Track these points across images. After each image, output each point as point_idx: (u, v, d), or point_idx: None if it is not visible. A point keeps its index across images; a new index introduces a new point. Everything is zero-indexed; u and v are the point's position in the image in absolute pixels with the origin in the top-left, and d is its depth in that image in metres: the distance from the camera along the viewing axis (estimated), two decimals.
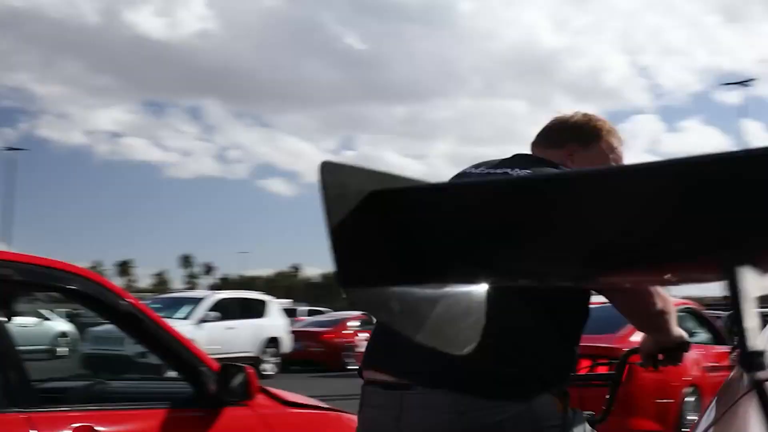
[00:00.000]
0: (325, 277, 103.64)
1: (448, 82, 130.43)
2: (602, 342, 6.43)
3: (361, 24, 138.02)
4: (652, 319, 2.21)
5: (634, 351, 2.58)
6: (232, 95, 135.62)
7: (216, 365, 3.41)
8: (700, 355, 7.13)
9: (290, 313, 23.61)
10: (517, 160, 2.19)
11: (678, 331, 2.30)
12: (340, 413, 3.89)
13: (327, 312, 27.06)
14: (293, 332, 17.66)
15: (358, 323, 19.68)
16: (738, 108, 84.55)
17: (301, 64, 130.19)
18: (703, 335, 7.54)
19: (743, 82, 39.64)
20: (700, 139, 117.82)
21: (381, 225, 0.85)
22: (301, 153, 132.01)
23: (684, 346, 2.32)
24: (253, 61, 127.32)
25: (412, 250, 0.88)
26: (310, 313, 30.11)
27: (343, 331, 19.02)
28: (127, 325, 3.36)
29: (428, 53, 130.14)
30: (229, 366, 3.47)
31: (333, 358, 18.04)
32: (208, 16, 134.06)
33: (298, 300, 42.92)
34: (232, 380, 3.36)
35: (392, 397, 1.97)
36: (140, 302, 3.39)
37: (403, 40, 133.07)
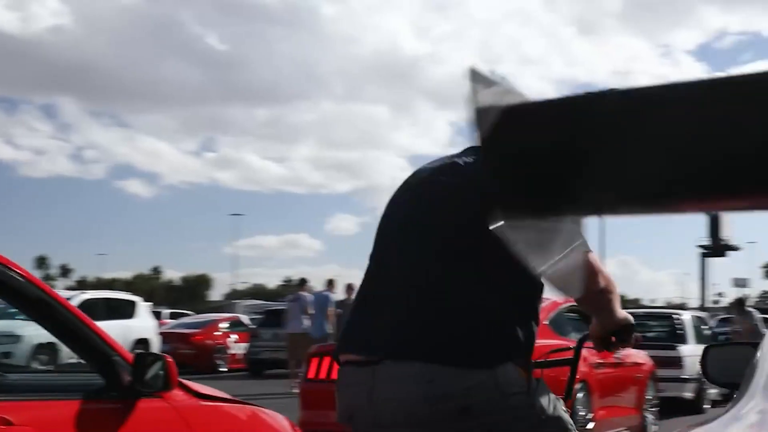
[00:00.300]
0: (186, 280, 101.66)
1: (310, 85, 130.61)
2: None
3: (221, 24, 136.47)
4: (595, 298, 2.24)
5: (587, 336, 2.56)
6: (89, 94, 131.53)
7: (130, 355, 3.17)
8: (587, 351, 7.26)
9: (154, 315, 22.92)
10: (470, 151, 2.24)
11: (622, 312, 2.30)
12: (255, 407, 3.71)
13: (190, 315, 26.41)
14: (161, 334, 17.16)
15: (228, 324, 19.32)
16: None
17: (160, 64, 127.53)
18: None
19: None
20: None
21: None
22: (160, 154, 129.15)
23: (630, 327, 2.31)
24: (110, 59, 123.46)
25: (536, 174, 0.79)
26: (173, 315, 29.39)
27: (214, 333, 18.68)
28: (36, 312, 3.09)
29: (290, 56, 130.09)
30: (146, 355, 3.24)
31: (204, 360, 17.71)
32: (62, 12, 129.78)
33: (157, 303, 41.86)
34: (148, 370, 3.13)
35: (364, 373, 2.07)
36: (52, 288, 3.11)
37: (265, 41, 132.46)
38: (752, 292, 78.97)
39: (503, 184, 0.80)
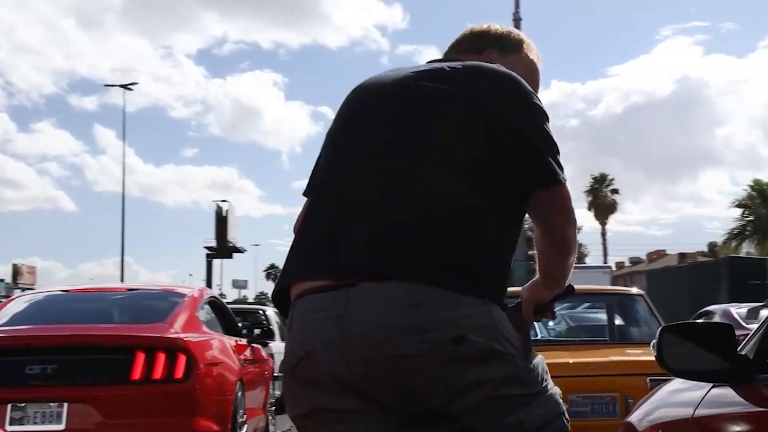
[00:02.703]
0: None
1: None
2: (155, 332, 5.50)
3: None
4: (568, 259, 2.00)
5: (518, 305, 2.19)
6: None
7: None
8: (236, 347, 6.57)
9: None
10: (439, 62, 2.03)
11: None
12: None
13: None
14: None
15: None
16: (93, 114, 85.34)
17: None
18: (222, 327, 6.92)
19: (126, 86, 39.97)
20: (53, 141, 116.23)
21: None
22: None
23: (571, 289, 2.10)
24: None
25: None
26: None
27: None
28: None
29: None
30: None
31: None
32: None
33: None
34: None
35: (333, 298, 1.70)
36: None
37: None
38: (250, 293, 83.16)
39: None
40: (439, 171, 1.78)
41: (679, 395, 2.72)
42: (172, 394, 5.25)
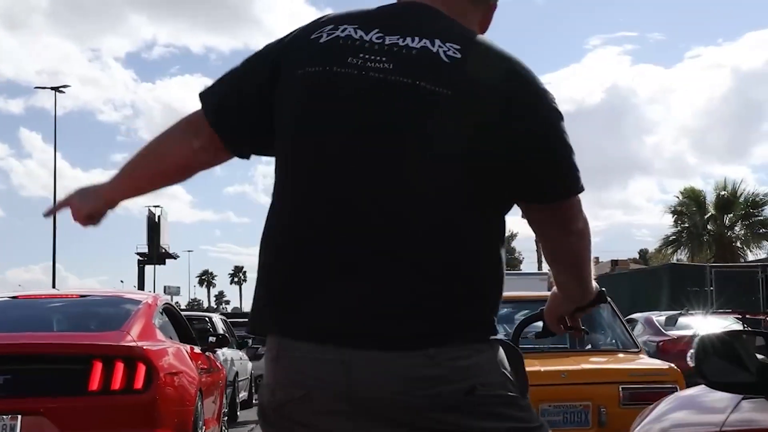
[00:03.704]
0: None
1: None
2: (113, 340, 5.27)
3: None
4: (584, 266, 1.77)
5: (533, 317, 2.15)
6: None
7: None
8: (192, 355, 6.36)
9: None
10: (423, 24, 1.65)
11: (594, 282, 1.86)
12: None
13: None
14: None
15: None
16: (19, 117, 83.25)
17: None
18: (177, 335, 6.70)
19: (57, 88, 38.91)
20: None
21: None
22: None
23: (603, 296, 1.90)
24: None
25: None
26: None
27: None
28: None
29: None
30: None
31: None
32: None
33: None
34: None
35: (331, 353, 1.51)
36: None
37: None
38: (183, 299, 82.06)
39: None
40: (433, 201, 1.54)
41: (700, 412, 2.62)
42: (131, 405, 5.02)
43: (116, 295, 6.45)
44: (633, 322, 12.75)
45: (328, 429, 1.53)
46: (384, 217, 1.52)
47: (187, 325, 6.95)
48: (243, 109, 1.70)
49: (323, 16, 1.72)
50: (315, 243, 1.54)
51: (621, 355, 5.92)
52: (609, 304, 6.50)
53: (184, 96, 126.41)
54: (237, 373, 11.48)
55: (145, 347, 5.25)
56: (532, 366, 5.44)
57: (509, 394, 1.60)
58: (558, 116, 1.61)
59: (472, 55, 1.59)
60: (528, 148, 1.56)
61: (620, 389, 5.11)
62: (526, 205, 1.64)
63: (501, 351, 1.63)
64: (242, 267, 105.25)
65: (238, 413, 11.95)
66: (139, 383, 5.06)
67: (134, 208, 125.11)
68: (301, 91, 1.61)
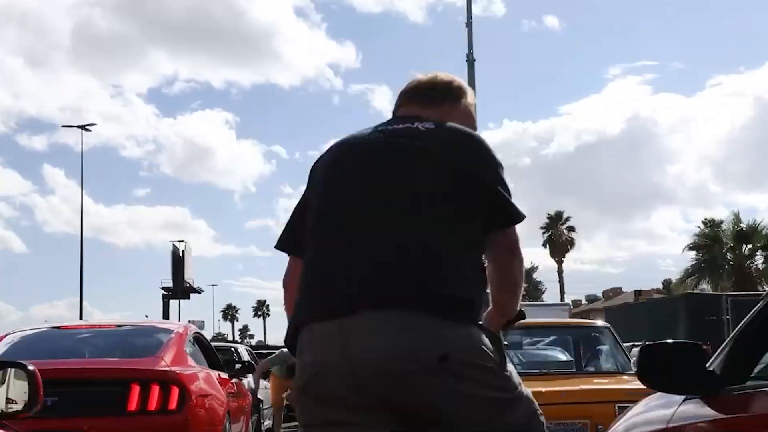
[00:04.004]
0: None
1: None
2: (149, 365, 5.75)
3: None
4: (518, 286, 2.34)
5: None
6: None
7: None
8: (220, 380, 6.82)
9: None
10: (409, 120, 2.34)
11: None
12: None
13: None
14: None
15: None
16: (43, 153, 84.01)
17: None
18: (207, 362, 7.18)
19: (84, 126, 39.58)
20: (0, 180, 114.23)
21: None
22: None
23: (522, 314, 2.39)
24: None
25: None
26: None
27: None
28: None
29: None
30: None
31: None
32: None
33: None
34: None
35: (337, 325, 2.00)
36: None
37: None
38: (207, 334, 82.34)
39: None
40: (421, 218, 2.11)
41: (652, 411, 3.07)
42: (166, 425, 5.49)
43: (150, 324, 6.95)
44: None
45: (338, 403, 2.03)
46: (384, 231, 2.15)
47: (215, 353, 7.42)
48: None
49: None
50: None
51: (619, 377, 6.33)
52: (610, 331, 6.94)
53: (204, 131, 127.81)
54: (262, 401, 11.93)
55: (178, 371, 5.73)
56: (534, 387, 5.89)
57: (487, 364, 2.04)
58: (500, 165, 2.28)
59: (442, 127, 2.29)
60: (483, 191, 2.22)
61: (615, 407, 5.50)
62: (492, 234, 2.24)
63: (478, 332, 2.07)
64: (265, 300, 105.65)
65: None
66: (173, 404, 5.53)
67: (158, 243, 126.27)
68: (326, 164, 2.35)
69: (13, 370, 2.36)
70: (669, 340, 2.83)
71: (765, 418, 2.36)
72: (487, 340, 2.08)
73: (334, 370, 1.98)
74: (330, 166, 2.30)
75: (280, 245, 2.35)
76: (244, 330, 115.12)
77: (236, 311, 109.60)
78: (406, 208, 2.12)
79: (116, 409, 5.44)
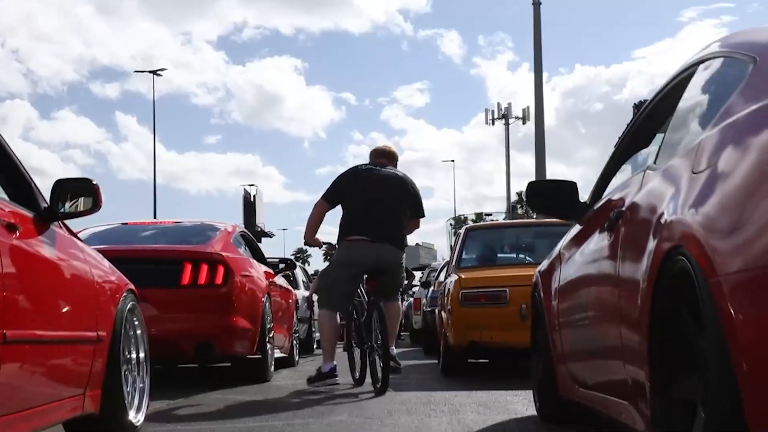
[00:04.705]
0: None
1: None
2: (200, 248, 6.94)
3: None
4: (413, 230, 7.28)
5: None
6: None
7: None
8: (264, 272, 7.99)
9: None
10: (385, 165, 6.97)
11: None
12: None
13: None
14: None
15: None
16: (115, 101, 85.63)
17: None
18: (251, 255, 8.34)
19: (155, 71, 40.78)
20: (75, 129, 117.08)
21: None
22: None
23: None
24: None
25: None
26: None
27: None
28: None
29: None
30: (66, 181, 3.36)
31: None
32: None
33: None
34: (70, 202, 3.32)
35: (370, 243, 6.63)
36: None
37: None
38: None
39: None
40: (401, 212, 6.74)
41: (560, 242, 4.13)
42: (213, 295, 6.70)
43: (203, 222, 8.16)
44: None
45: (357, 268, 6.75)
46: (382, 216, 6.73)
47: (260, 250, 8.62)
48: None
49: (360, 166, 7.04)
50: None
51: None
52: None
53: (274, 78, 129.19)
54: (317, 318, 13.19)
55: (224, 254, 6.92)
56: (525, 271, 6.96)
57: (402, 262, 6.81)
58: (416, 188, 6.98)
59: (401, 174, 6.97)
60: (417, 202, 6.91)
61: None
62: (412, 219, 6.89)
63: (403, 252, 6.82)
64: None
65: (315, 349, 13.66)
66: (219, 280, 6.73)
67: (229, 190, 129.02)
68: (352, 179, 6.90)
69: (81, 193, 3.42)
70: (550, 179, 3.86)
71: (599, 214, 3.35)
72: (403, 255, 6.77)
73: (370, 259, 6.59)
74: (362, 181, 6.77)
75: (327, 198, 6.91)
76: (315, 274, 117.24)
77: (307, 255, 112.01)
78: (391, 203, 6.69)
79: (172, 282, 6.66)
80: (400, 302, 7.03)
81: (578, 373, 3.63)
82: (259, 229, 63.81)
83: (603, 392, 3.17)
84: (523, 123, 44.36)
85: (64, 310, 3.22)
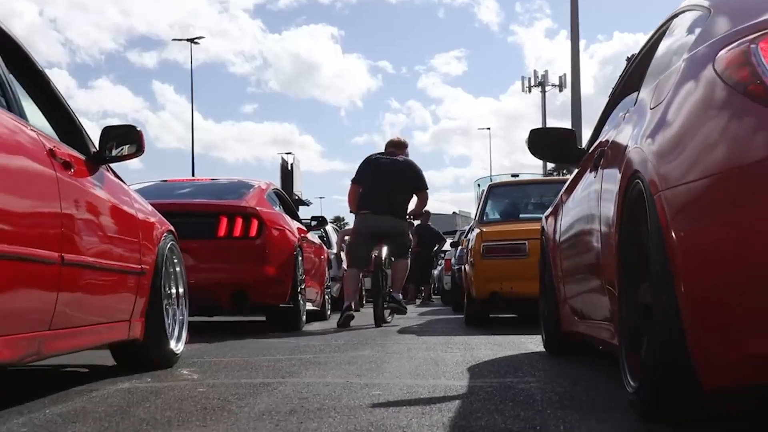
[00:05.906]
0: None
1: None
2: (235, 203, 7.35)
3: None
4: (423, 206, 9.22)
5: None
6: None
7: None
8: (297, 228, 8.40)
9: None
10: (396, 154, 8.95)
11: None
12: None
13: None
14: None
15: None
16: (152, 70, 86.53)
17: None
18: (284, 211, 8.75)
19: (193, 40, 40.99)
20: (113, 97, 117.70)
21: None
22: None
23: (427, 213, 8.77)
24: None
25: None
26: None
27: None
28: (33, 84, 3.46)
29: None
30: (114, 128, 3.76)
31: None
32: None
33: None
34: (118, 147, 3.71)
35: (378, 217, 8.58)
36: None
37: None
38: None
39: None
40: (402, 190, 8.61)
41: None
42: (248, 246, 7.12)
43: (238, 180, 8.58)
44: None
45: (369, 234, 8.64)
46: (387, 194, 8.60)
47: (293, 207, 9.04)
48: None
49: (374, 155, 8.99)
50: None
51: None
52: None
53: (310, 46, 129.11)
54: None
55: (258, 208, 7.33)
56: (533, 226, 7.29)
57: (404, 229, 8.63)
58: (419, 168, 8.89)
59: (408, 160, 8.87)
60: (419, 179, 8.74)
61: None
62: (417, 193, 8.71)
63: (406, 223, 8.76)
64: None
65: None
66: (253, 232, 7.15)
67: (266, 158, 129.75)
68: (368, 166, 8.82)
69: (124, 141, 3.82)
70: (551, 126, 4.19)
71: (590, 157, 3.68)
72: (406, 224, 8.62)
73: (376, 227, 8.49)
74: (372, 167, 8.71)
75: (355, 179, 8.81)
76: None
77: (344, 224, 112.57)
78: (392, 183, 8.54)
79: (209, 234, 7.09)
80: (408, 260, 8.86)
81: (576, 306, 3.99)
82: (297, 197, 64.52)
83: (592, 318, 3.52)
84: (560, 91, 44.31)
85: (113, 242, 3.62)
